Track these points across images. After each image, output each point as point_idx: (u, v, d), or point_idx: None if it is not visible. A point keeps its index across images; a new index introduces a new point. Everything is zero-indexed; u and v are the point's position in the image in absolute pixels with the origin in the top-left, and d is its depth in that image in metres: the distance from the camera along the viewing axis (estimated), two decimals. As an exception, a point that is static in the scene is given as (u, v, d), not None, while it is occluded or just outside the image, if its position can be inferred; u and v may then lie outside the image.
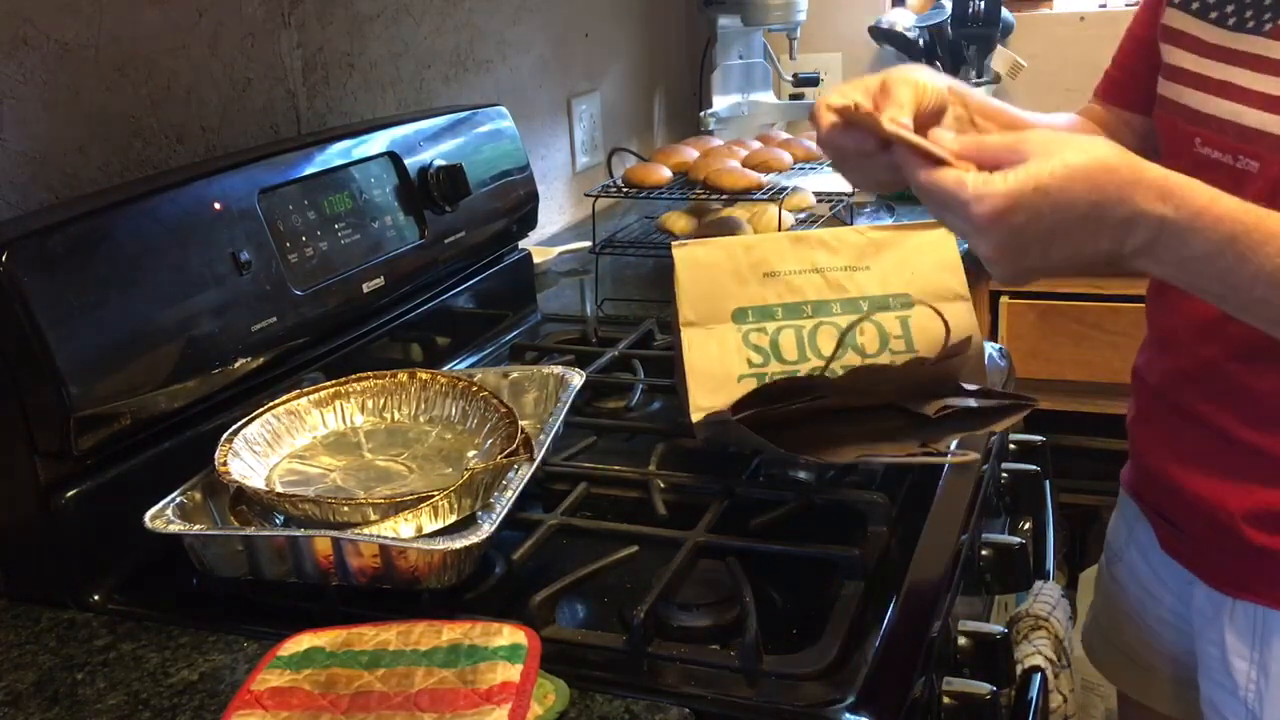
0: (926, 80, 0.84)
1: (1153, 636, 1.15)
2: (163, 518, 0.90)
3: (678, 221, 1.81)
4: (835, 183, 2.14)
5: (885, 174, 0.82)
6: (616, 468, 1.10)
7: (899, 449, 0.94)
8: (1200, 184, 0.73)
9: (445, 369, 1.31)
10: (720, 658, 0.82)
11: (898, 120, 0.79)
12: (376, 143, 1.30)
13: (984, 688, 0.88)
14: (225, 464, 0.94)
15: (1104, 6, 2.52)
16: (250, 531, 0.91)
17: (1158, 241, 0.73)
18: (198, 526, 0.91)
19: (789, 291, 1.11)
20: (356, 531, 0.87)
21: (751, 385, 1.07)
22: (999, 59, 2.42)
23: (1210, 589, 1.01)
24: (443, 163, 1.35)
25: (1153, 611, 1.14)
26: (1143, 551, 1.14)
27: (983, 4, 2.28)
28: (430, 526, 0.90)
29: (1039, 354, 1.96)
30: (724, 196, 1.70)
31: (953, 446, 1.06)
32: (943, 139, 0.76)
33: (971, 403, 1.00)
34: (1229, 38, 0.91)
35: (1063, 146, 0.72)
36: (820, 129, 0.84)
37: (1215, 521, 0.97)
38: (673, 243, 1.16)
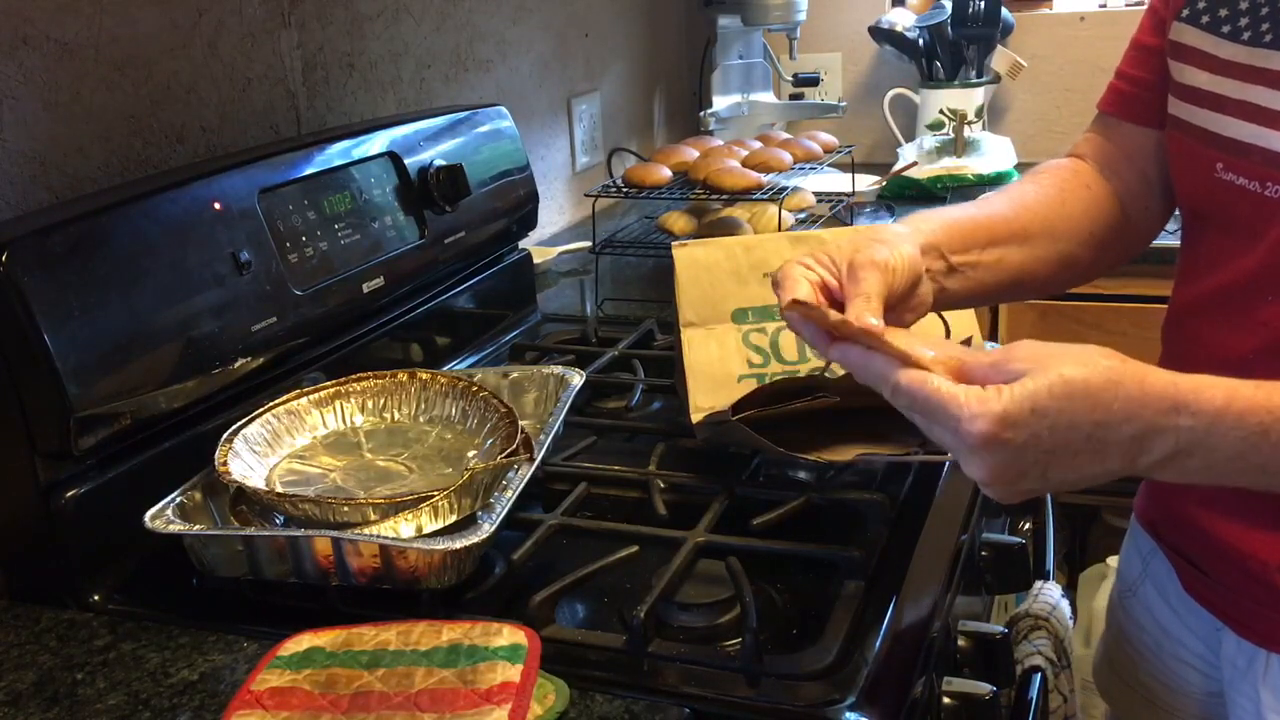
0: (897, 259, 0.77)
1: (1175, 679, 1.06)
2: (163, 518, 0.90)
3: (678, 221, 1.81)
4: (835, 183, 2.15)
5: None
6: (616, 468, 1.10)
7: (899, 449, 0.94)
8: (1212, 380, 0.68)
9: (445, 369, 1.31)
10: (720, 658, 0.82)
11: (864, 320, 0.72)
12: (376, 143, 1.30)
13: (984, 688, 0.88)
14: (225, 464, 0.94)
15: (1104, 6, 2.52)
16: (250, 531, 0.91)
17: (1178, 453, 0.67)
18: (198, 526, 0.91)
19: (789, 291, 1.10)
20: (356, 531, 0.87)
21: (751, 385, 1.07)
22: (999, 59, 2.42)
23: (1242, 639, 0.94)
24: (443, 163, 1.35)
25: (1174, 653, 1.06)
26: (1161, 589, 1.06)
27: (983, 4, 2.28)
28: (430, 526, 0.90)
29: (1039, 354, 1.96)
30: (724, 196, 1.70)
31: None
32: (922, 358, 0.69)
33: None
34: (1244, 53, 0.84)
35: (1058, 358, 0.66)
36: (783, 300, 0.76)
37: (1247, 571, 0.90)
38: (673, 243, 1.16)
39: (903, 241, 0.80)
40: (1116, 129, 1.01)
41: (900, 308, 0.80)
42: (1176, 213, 0.99)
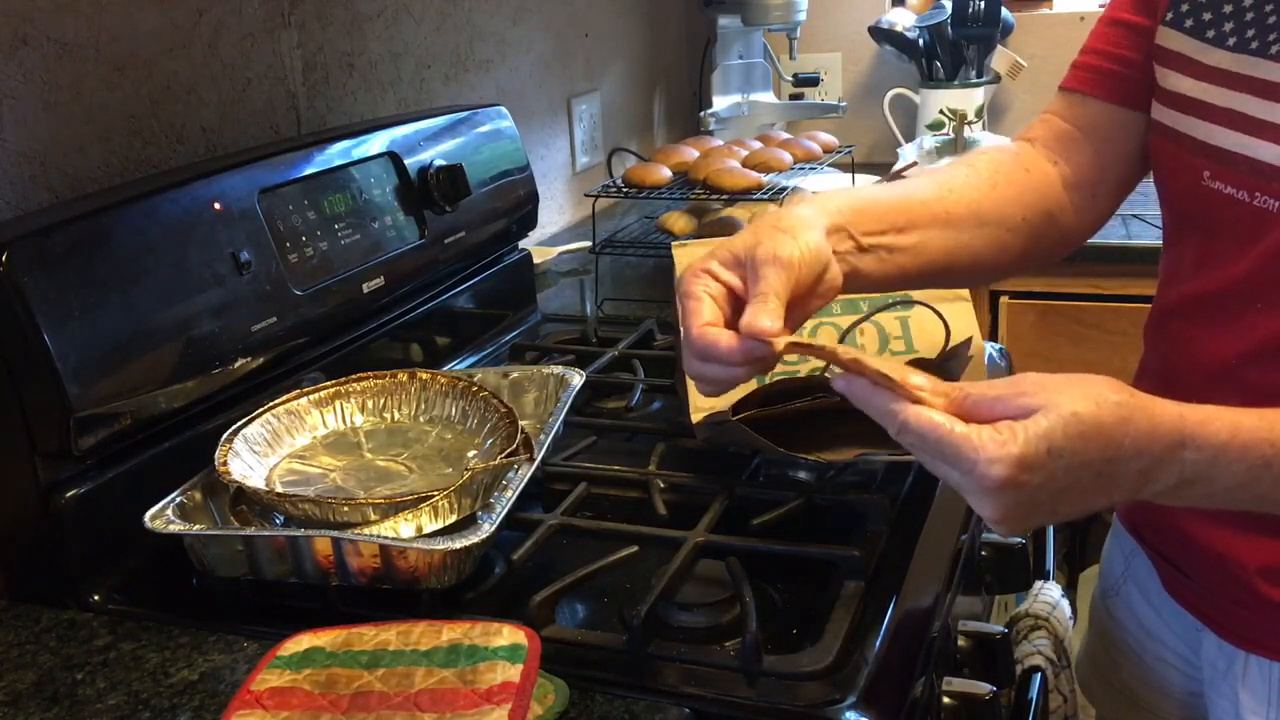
0: (801, 249, 0.74)
1: (1156, 679, 1.07)
2: (163, 518, 0.90)
3: (678, 221, 1.81)
4: (835, 183, 2.15)
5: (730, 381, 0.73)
6: (616, 468, 1.10)
7: (899, 449, 0.94)
8: (1218, 412, 0.68)
9: (445, 369, 1.31)
10: (720, 658, 0.82)
11: (760, 324, 0.69)
12: (376, 143, 1.30)
13: (984, 688, 0.88)
14: (225, 464, 0.94)
15: (1104, 6, 2.52)
16: (250, 531, 0.91)
17: (1182, 483, 0.68)
18: (198, 526, 0.91)
19: (789, 292, 1.10)
20: (356, 531, 0.87)
21: (751, 385, 1.07)
22: (999, 59, 2.42)
23: (1221, 640, 0.94)
24: (443, 163, 1.35)
25: (1155, 653, 1.06)
26: (1143, 589, 1.06)
27: (983, 4, 2.28)
28: (430, 526, 0.90)
29: (1039, 354, 1.96)
30: (724, 196, 1.70)
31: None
32: (925, 390, 0.67)
33: None
34: (1230, 60, 0.83)
35: (1068, 393, 0.65)
36: (690, 325, 0.72)
37: (1227, 573, 0.90)
38: (673, 243, 1.16)
39: (807, 228, 0.76)
40: (1078, 106, 0.97)
41: (808, 294, 0.77)
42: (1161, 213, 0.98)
